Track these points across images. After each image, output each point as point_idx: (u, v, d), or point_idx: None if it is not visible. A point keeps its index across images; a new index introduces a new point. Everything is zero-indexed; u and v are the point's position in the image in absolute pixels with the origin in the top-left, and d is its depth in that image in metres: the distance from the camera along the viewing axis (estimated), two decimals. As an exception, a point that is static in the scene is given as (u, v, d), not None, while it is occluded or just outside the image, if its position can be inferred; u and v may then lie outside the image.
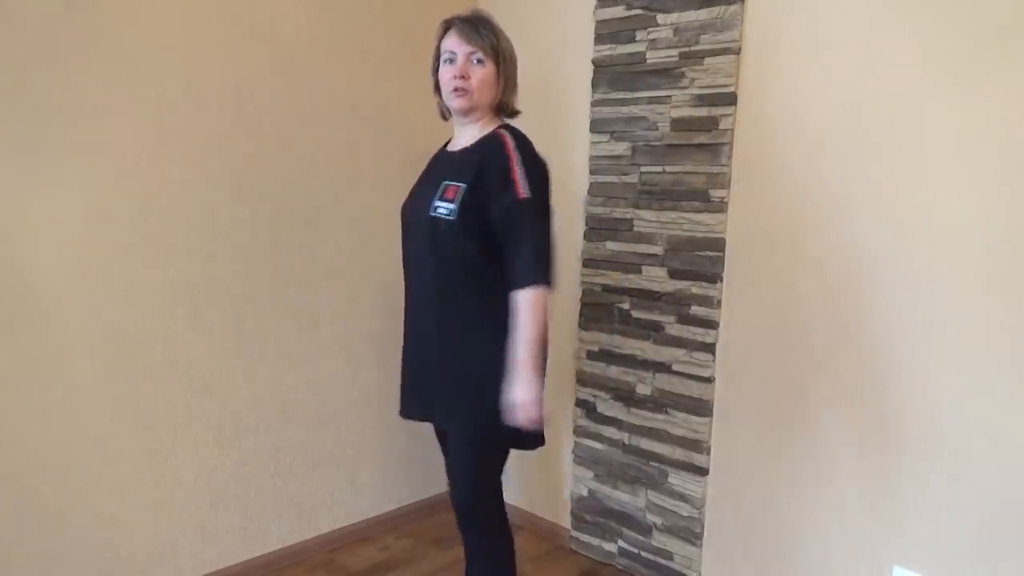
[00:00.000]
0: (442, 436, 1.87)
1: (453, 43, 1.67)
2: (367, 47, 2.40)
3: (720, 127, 2.04)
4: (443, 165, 1.75)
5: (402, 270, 1.80)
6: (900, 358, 1.79)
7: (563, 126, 2.40)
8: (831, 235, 1.88)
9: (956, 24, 1.64)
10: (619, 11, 2.22)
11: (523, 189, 1.60)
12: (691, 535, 2.21)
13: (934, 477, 1.75)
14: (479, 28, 1.67)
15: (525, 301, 1.58)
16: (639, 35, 2.18)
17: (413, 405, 1.82)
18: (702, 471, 2.17)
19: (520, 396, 1.57)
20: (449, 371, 1.71)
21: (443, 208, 1.62)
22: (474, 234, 1.62)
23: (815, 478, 1.96)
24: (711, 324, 2.11)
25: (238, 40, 2.09)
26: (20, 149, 1.75)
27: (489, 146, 1.66)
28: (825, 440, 1.94)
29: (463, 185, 1.62)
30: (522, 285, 1.58)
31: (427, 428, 1.98)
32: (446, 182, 1.65)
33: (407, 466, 2.67)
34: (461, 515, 1.76)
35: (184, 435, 2.10)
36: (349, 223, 2.42)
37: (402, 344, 1.83)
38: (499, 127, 1.70)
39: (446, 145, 1.83)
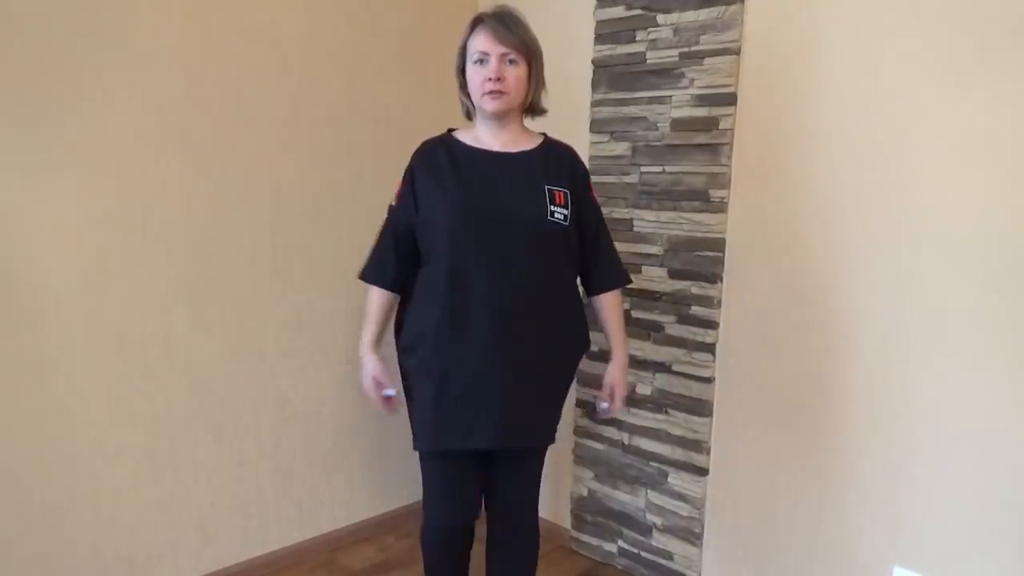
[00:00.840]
0: (469, 460, 1.70)
1: (485, 43, 1.57)
2: (367, 47, 2.40)
3: (720, 127, 2.04)
4: (514, 166, 1.64)
5: (453, 280, 1.59)
6: (900, 358, 1.79)
7: (563, 126, 2.39)
8: (831, 235, 1.88)
9: (957, 24, 1.64)
10: (619, 11, 2.22)
11: (596, 197, 1.78)
12: (691, 535, 2.21)
13: (934, 477, 1.75)
14: (511, 27, 1.58)
15: (619, 297, 1.80)
16: (639, 35, 2.18)
17: (507, 429, 1.63)
18: (702, 471, 2.17)
19: (619, 380, 1.80)
20: (552, 386, 1.73)
21: (559, 213, 1.61)
22: (576, 237, 1.70)
23: (815, 478, 1.96)
24: (711, 324, 2.11)
25: (238, 40, 2.09)
26: (20, 149, 1.75)
27: (568, 154, 1.73)
28: (825, 440, 1.94)
29: (567, 191, 1.65)
30: (621, 284, 1.80)
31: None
32: (549, 187, 1.62)
33: (407, 466, 2.67)
34: (525, 521, 1.82)
35: (184, 435, 2.10)
36: (349, 223, 2.42)
37: (448, 370, 1.61)
38: (550, 137, 1.75)
39: (455, 139, 1.70)
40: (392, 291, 1.75)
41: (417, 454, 1.75)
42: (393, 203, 1.73)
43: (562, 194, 1.63)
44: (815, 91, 1.88)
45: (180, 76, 1.98)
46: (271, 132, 2.19)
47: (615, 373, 1.80)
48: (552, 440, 1.76)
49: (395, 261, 1.72)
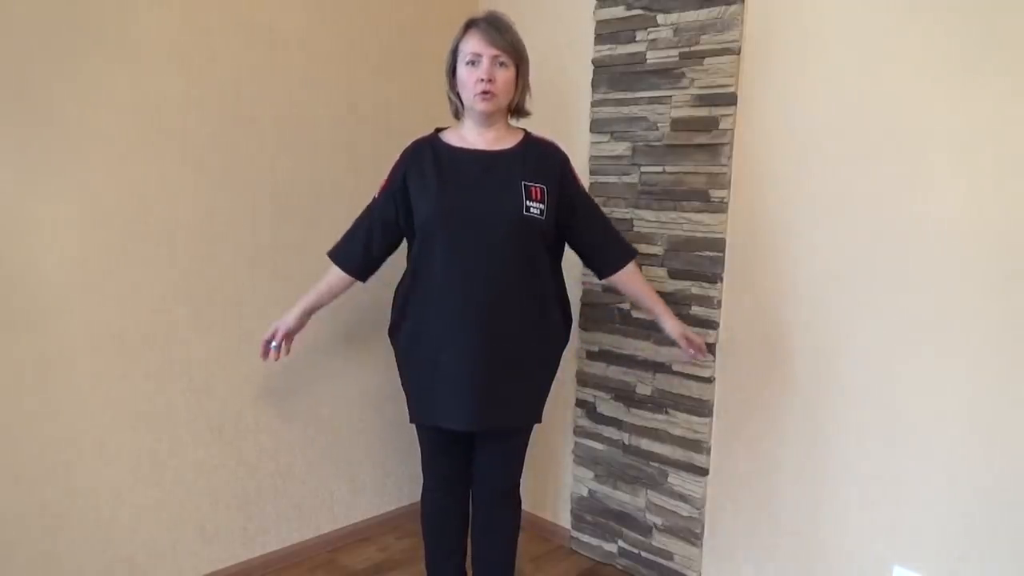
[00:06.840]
0: (459, 434, 1.83)
1: (477, 45, 1.66)
2: (366, 47, 2.40)
3: (720, 127, 2.03)
4: (495, 165, 1.72)
5: (436, 274, 1.70)
6: (900, 358, 1.79)
7: (563, 126, 2.39)
8: (831, 235, 1.88)
9: (956, 24, 1.64)
10: (619, 11, 2.22)
11: (579, 182, 1.84)
12: (691, 535, 2.21)
13: (934, 477, 1.75)
14: (502, 31, 1.68)
15: (634, 270, 1.87)
16: (639, 35, 2.18)
17: (484, 413, 1.73)
18: (702, 471, 2.17)
19: (685, 329, 1.87)
20: (534, 367, 1.81)
21: (535, 208, 1.69)
22: (553, 231, 1.77)
23: (815, 478, 1.96)
24: (711, 324, 2.11)
25: (238, 40, 2.09)
26: (20, 149, 1.75)
27: (549, 150, 1.80)
28: (825, 440, 1.94)
29: (544, 186, 1.71)
30: (627, 260, 1.84)
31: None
32: (526, 183, 1.70)
33: (407, 466, 2.67)
34: (508, 496, 1.92)
35: (184, 435, 2.10)
36: (349, 222, 2.41)
37: (432, 357, 1.74)
38: (531, 133, 1.82)
39: (440, 140, 1.78)
40: (351, 276, 1.88)
41: (416, 440, 1.95)
42: (376, 196, 1.84)
43: (539, 189, 1.70)
44: (815, 91, 1.88)
45: (179, 76, 1.98)
46: (271, 132, 2.19)
47: (675, 331, 1.86)
48: (534, 421, 1.85)
49: (362, 251, 1.85)
